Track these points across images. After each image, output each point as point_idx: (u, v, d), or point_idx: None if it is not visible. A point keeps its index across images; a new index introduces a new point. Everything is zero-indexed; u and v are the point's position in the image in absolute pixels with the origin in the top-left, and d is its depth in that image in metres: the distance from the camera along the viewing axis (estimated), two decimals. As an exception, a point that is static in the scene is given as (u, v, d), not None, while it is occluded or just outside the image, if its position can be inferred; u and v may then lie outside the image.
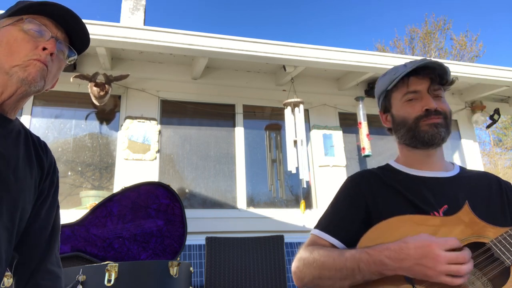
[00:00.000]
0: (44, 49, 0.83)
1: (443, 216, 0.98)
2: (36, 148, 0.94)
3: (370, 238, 0.96)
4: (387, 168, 1.18)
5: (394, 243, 0.87)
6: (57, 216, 0.99)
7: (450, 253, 0.83)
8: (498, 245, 0.89)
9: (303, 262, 1.02)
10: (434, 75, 1.08)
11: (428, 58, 1.08)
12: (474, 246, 0.91)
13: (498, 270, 0.89)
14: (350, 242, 1.03)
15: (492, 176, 1.16)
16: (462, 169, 1.16)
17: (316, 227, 1.11)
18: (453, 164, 1.18)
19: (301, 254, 1.04)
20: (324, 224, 1.10)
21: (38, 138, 0.97)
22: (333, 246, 1.04)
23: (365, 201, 1.07)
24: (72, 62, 0.95)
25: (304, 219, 3.55)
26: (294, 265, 1.05)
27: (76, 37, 0.92)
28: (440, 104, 1.07)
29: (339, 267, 0.92)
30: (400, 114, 1.11)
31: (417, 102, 1.08)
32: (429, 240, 0.85)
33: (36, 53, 0.82)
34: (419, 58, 1.26)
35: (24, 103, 0.90)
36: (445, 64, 1.09)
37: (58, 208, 1.01)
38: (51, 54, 0.84)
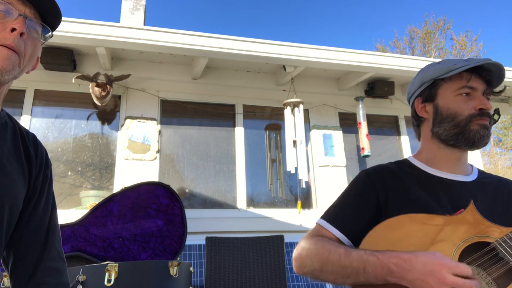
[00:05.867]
0: (12, 30, 0.76)
1: (448, 216, 0.96)
2: (25, 142, 0.90)
3: (374, 235, 0.95)
4: (405, 164, 1.13)
5: (405, 253, 0.84)
6: (53, 211, 0.97)
7: (458, 278, 0.79)
8: (503, 244, 0.88)
9: (306, 252, 1.00)
10: (492, 79, 1.05)
11: (491, 60, 1.02)
12: (479, 246, 0.90)
13: (503, 270, 0.88)
14: (356, 237, 1.01)
15: (509, 183, 1.14)
16: (481, 173, 1.13)
17: (323, 217, 1.08)
18: (471, 166, 1.14)
19: (305, 243, 1.02)
20: (332, 215, 1.07)
21: (27, 131, 0.93)
22: (338, 239, 1.02)
23: (377, 198, 1.04)
24: (48, 39, 0.88)
25: (303, 219, 3.55)
26: (295, 252, 1.03)
27: (46, 11, 0.84)
28: (490, 106, 1.05)
29: (343, 264, 0.90)
30: (451, 107, 1.04)
31: (470, 100, 1.03)
32: (441, 260, 0.81)
33: (4, 36, 0.75)
34: (478, 57, 1.18)
35: (4, 93, 0.85)
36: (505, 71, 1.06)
37: (54, 202, 0.98)
38: (21, 35, 0.77)
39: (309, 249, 0.99)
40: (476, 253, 0.90)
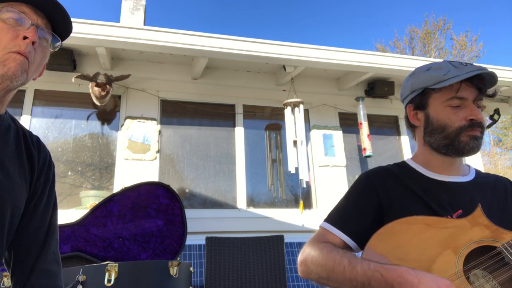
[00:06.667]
0: (24, 38, 0.78)
1: (455, 219, 0.96)
2: (28, 144, 0.91)
3: (380, 237, 0.95)
4: (403, 166, 1.14)
5: (409, 274, 0.82)
6: (54, 213, 0.97)
7: None
8: (509, 249, 0.88)
9: (311, 259, 1.00)
10: (484, 86, 1.03)
11: (483, 66, 1.01)
12: (485, 249, 0.90)
13: (509, 275, 0.87)
14: (360, 239, 1.02)
15: (506, 181, 1.14)
16: (478, 173, 1.14)
17: (326, 220, 1.09)
18: (468, 167, 1.15)
19: (310, 249, 1.02)
20: (335, 218, 1.08)
21: (30, 133, 0.94)
22: (342, 241, 1.03)
23: (379, 199, 1.05)
24: (57, 49, 0.90)
25: (304, 219, 3.55)
26: (300, 257, 1.04)
27: (57, 22, 0.88)
28: (481, 116, 1.03)
29: (348, 277, 0.90)
30: (441, 118, 1.04)
31: (461, 110, 1.02)
32: None
33: (16, 43, 0.78)
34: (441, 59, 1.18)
35: (10, 97, 0.87)
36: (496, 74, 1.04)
37: (55, 203, 0.98)
38: (33, 43, 0.80)
39: (314, 256, 0.99)
40: (481, 256, 0.89)
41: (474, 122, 1.01)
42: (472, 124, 1.01)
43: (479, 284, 0.88)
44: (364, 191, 1.09)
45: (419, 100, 1.09)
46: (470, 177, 1.11)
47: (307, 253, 1.02)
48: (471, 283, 0.88)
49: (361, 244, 1.03)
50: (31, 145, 0.92)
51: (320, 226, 1.09)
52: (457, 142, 1.02)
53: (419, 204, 1.02)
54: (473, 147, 1.02)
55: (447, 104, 1.04)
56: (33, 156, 0.91)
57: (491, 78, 1.03)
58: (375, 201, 1.05)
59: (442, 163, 1.09)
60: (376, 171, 1.13)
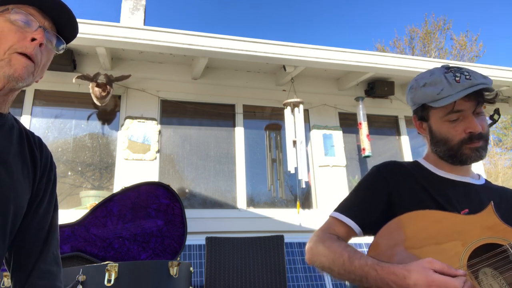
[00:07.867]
0: (32, 40, 0.80)
1: (465, 215, 0.98)
2: (30, 144, 0.91)
3: (389, 229, 0.98)
4: (415, 164, 1.18)
5: (399, 268, 0.86)
6: (54, 214, 0.97)
7: None
8: None
9: (316, 249, 1.04)
10: (481, 97, 1.04)
11: (479, 84, 1.00)
12: (493, 247, 0.91)
13: None
14: (368, 228, 1.06)
15: None
16: (488, 181, 1.17)
17: (336, 210, 1.13)
18: (479, 175, 1.19)
19: (316, 239, 1.06)
20: (344, 207, 1.12)
21: (32, 133, 0.95)
22: (348, 227, 1.07)
23: (389, 192, 1.08)
24: (61, 52, 0.91)
25: (303, 219, 3.55)
26: (308, 244, 1.09)
27: (63, 25, 0.89)
28: (482, 124, 1.04)
29: (348, 270, 0.95)
30: (442, 132, 1.07)
31: (460, 123, 1.04)
32: (432, 279, 0.82)
33: (23, 45, 0.79)
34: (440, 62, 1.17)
35: (13, 97, 0.88)
36: (489, 79, 1.04)
37: (56, 204, 0.98)
38: (40, 45, 0.81)
39: (318, 247, 1.04)
40: (488, 253, 0.90)
41: (473, 134, 1.03)
42: (471, 137, 1.03)
43: (487, 282, 0.88)
44: (375, 182, 1.12)
45: (421, 113, 1.13)
46: (480, 181, 1.14)
47: (313, 242, 1.07)
48: (479, 280, 0.89)
49: (368, 233, 1.08)
50: (34, 145, 0.92)
51: (329, 216, 1.14)
52: (459, 154, 1.06)
53: (428, 199, 1.05)
54: (476, 158, 1.05)
55: (446, 119, 1.06)
56: (36, 157, 0.91)
57: (488, 87, 1.03)
58: (385, 192, 1.09)
59: (451, 167, 1.12)
60: (387, 164, 1.16)
